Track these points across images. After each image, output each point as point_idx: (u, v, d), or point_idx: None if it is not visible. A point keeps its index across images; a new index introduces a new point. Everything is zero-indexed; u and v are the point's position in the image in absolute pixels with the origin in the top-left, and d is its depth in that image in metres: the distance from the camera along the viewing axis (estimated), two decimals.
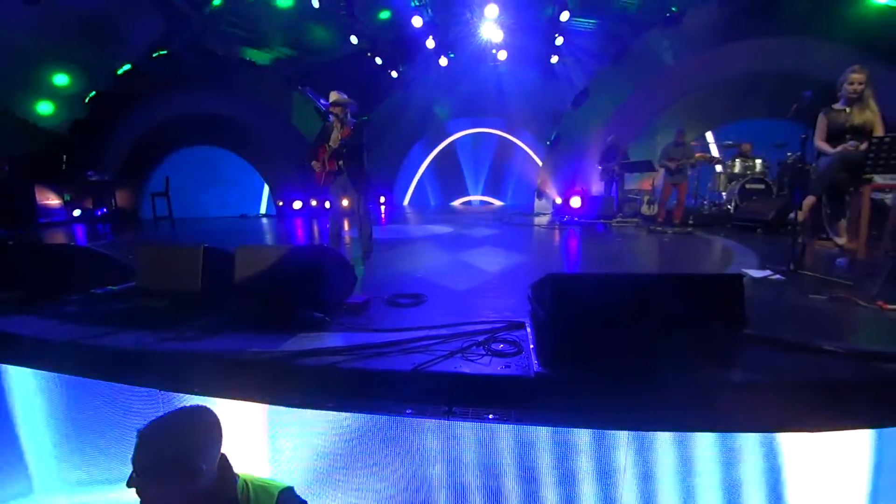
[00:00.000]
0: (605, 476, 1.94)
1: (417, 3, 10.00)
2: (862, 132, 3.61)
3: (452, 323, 2.14)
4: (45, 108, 9.46)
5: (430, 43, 11.04)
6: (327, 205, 6.33)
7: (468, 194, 15.51)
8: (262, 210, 11.86)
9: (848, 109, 3.67)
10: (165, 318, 2.29)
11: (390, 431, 2.04)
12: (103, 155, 9.92)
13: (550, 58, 11.70)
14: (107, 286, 2.82)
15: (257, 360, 1.84)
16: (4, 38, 8.18)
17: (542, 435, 1.95)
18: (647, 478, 1.96)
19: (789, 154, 6.91)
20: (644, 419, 1.56)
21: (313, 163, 4.29)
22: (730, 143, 8.13)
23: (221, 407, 1.89)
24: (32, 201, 8.27)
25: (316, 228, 7.94)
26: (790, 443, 1.90)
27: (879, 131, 3.60)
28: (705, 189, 8.43)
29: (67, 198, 9.41)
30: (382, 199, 13.36)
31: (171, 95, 10.06)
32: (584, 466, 1.95)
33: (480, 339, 1.94)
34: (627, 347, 1.59)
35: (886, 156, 3.31)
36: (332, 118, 4.30)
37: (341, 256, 2.66)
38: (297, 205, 10.32)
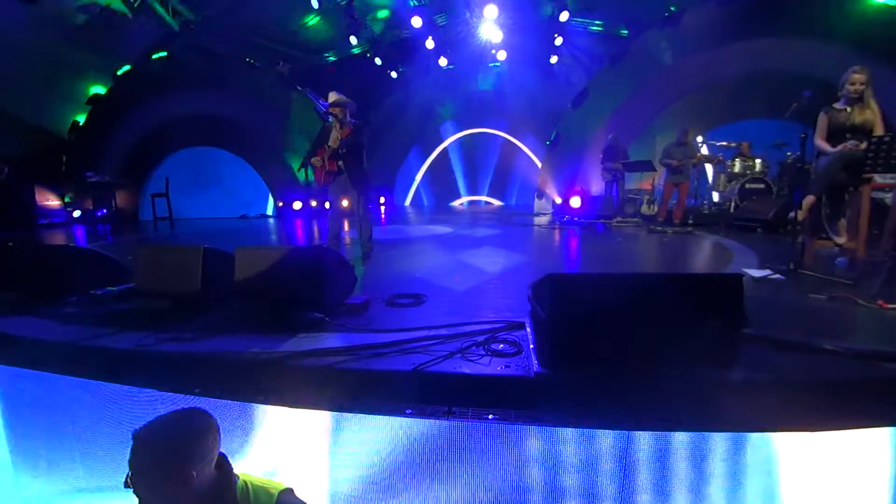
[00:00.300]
0: (606, 476, 1.94)
1: (417, 3, 10.00)
2: (862, 132, 3.60)
3: (452, 323, 2.14)
4: (45, 109, 9.47)
5: (430, 43, 11.05)
6: (327, 205, 6.33)
7: (468, 194, 15.50)
8: (268, 211, 11.85)
9: (849, 109, 3.66)
10: (165, 318, 2.29)
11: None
12: (103, 156, 9.95)
13: (550, 58, 11.71)
14: (106, 287, 2.81)
15: (257, 361, 1.84)
16: (4, 38, 8.19)
17: (542, 435, 1.94)
18: (647, 478, 1.96)
19: (789, 154, 6.92)
20: (644, 419, 1.56)
21: (313, 158, 4.28)
22: (723, 143, 8.09)
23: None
24: (32, 202, 8.29)
25: (316, 229, 7.94)
26: (788, 442, 1.89)
27: (880, 131, 3.59)
28: (704, 189, 8.43)
29: (67, 199, 9.43)
30: (382, 200, 13.37)
31: (170, 96, 10.05)
32: (584, 466, 1.94)
33: (480, 339, 1.94)
34: (627, 347, 1.59)
35: (886, 155, 3.31)
36: (331, 119, 4.30)
37: (341, 257, 2.66)
38: (297, 205, 10.33)
